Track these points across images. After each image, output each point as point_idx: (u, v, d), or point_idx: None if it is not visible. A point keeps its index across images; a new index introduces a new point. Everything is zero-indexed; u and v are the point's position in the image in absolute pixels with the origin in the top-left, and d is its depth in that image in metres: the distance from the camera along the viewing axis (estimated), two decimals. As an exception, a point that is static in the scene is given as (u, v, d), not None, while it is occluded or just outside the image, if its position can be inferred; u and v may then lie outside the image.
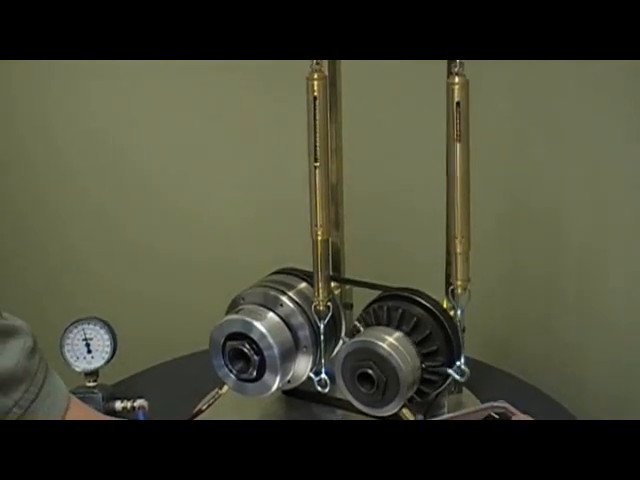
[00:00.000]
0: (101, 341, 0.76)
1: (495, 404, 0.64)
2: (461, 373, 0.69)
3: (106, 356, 0.76)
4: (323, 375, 0.72)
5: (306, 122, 0.68)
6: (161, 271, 1.04)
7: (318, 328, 0.72)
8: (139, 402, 0.75)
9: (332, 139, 0.71)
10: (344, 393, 0.70)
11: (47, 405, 0.54)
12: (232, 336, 0.71)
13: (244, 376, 0.71)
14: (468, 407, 0.67)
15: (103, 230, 1.05)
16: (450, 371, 0.68)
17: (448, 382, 0.70)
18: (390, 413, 0.68)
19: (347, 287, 0.77)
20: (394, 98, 0.91)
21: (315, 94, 0.67)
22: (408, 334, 0.68)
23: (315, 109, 0.67)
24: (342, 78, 0.73)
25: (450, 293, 0.70)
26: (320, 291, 0.71)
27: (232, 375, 0.72)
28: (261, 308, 0.72)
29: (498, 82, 0.84)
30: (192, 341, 0.80)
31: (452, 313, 0.70)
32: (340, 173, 0.75)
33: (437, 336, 0.68)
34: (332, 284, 0.73)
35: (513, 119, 0.87)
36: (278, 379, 0.70)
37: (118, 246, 1.05)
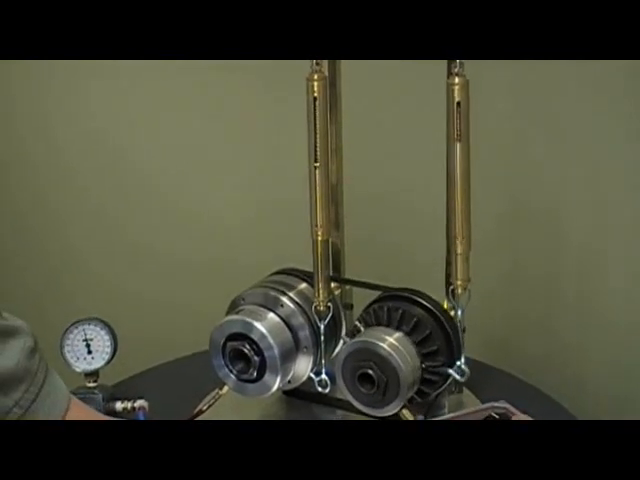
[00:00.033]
0: (101, 342, 0.76)
1: (495, 404, 0.64)
2: (461, 373, 0.69)
3: (106, 357, 0.76)
4: (323, 375, 0.72)
5: (306, 122, 0.68)
6: (161, 271, 1.04)
7: (318, 328, 0.72)
8: (139, 403, 0.75)
9: (332, 139, 0.71)
10: (344, 393, 0.70)
11: (47, 405, 0.54)
12: (232, 336, 0.71)
13: (244, 376, 0.71)
14: (468, 407, 0.67)
15: (103, 230, 1.05)
16: (450, 371, 0.68)
17: (448, 382, 0.70)
18: (390, 413, 0.68)
19: (347, 287, 0.77)
20: (394, 98, 0.91)
21: (315, 94, 0.67)
22: (408, 334, 0.68)
23: (315, 109, 0.67)
24: (342, 78, 0.73)
25: (450, 293, 0.70)
26: (320, 291, 0.71)
27: (232, 375, 0.72)
28: (261, 308, 0.72)
29: (498, 82, 0.84)
30: (192, 341, 0.80)
31: (452, 313, 0.70)
32: (340, 173, 0.75)
33: (437, 336, 0.68)
34: (332, 284, 0.73)
35: (513, 119, 0.87)
36: (278, 379, 0.70)
37: (118, 246, 1.05)
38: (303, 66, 0.67)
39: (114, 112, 1.01)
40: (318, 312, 0.71)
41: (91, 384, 0.77)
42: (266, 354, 0.70)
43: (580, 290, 0.87)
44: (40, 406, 0.53)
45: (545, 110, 0.85)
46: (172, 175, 1.02)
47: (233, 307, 0.74)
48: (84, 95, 1.01)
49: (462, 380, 0.69)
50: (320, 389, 0.73)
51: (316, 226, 0.69)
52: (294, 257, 0.76)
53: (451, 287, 0.69)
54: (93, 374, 0.77)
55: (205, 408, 0.73)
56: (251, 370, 0.70)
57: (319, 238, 0.70)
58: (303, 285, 0.74)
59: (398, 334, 0.68)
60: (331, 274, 0.73)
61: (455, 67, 0.65)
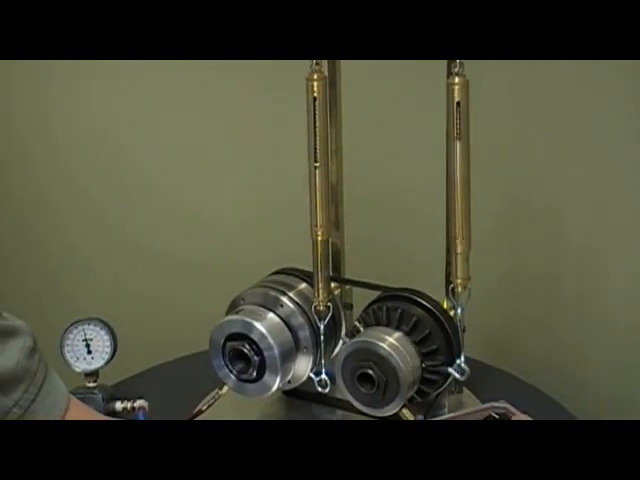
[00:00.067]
0: (101, 342, 0.76)
1: (495, 404, 0.64)
2: (461, 372, 0.69)
3: (106, 357, 0.76)
4: (323, 375, 0.72)
5: (306, 122, 0.68)
6: (161, 271, 1.04)
7: (318, 328, 0.72)
8: (139, 403, 0.75)
9: (332, 139, 0.71)
10: (344, 393, 0.70)
11: (47, 405, 0.54)
12: (232, 336, 0.71)
13: (244, 376, 0.71)
14: (468, 407, 0.67)
15: (103, 230, 1.05)
16: (450, 370, 0.68)
17: (449, 382, 0.70)
18: (390, 413, 0.68)
19: (347, 287, 0.77)
20: (394, 98, 0.91)
21: (315, 94, 0.67)
22: (408, 334, 0.68)
23: (315, 109, 0.67)
24: (342, 78, 0.73)
25: (450, 292, 0.70)
26: (320, 291, 0.71)
27: (232, 375, 0.72)
28: (261, 308, 0.72)
29: (498, 82, 0.84)
30: (192, 341, 0.79)
31: (452, 312, 0.70)
32: (340, 173, 0.75)
33: (437, 335, 0.68)
34: (332, 284, 0.73)
35: (513, 119, 0.87)
36: (278, 379, 0.70)
37: (118, 246, 1.05)
38: (303, 66, 0.67)
39: (114, 112, 1.00)
40: (318, 312, 0.71)
41: (91, 384, 0.77)
42: (266, 354, 0.70)
43: (580, 290, 0.87)
44: (39, 406, 0.53)
45: (545, 110, 0.85)
46: (172, 175, 1.02)
47: (233, 307, 0.74)
48: (84, 95, 1.01)
49: (462, 379, 0.69)
50: (320, 389, 0.73)
51: (316, 226, 0.69)
52: (294, 257, 0.76)
53: (451, 286, 0.69)
54: (93, 374, 0.77)
55: (205, 408, 0.73)
56: (251, 370, 0.70)
57: (319, 238, 0.70)
58: (303, 285, 0.74)
59: (398, 334, 0.68)
60: (331, 274, 0.73)
61: (455, 67, 0.65)
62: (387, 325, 0.69)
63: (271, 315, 0.71)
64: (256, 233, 1.01)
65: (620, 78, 0.76)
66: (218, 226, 1.03)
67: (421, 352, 0.68)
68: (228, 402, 0.73)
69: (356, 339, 0.69)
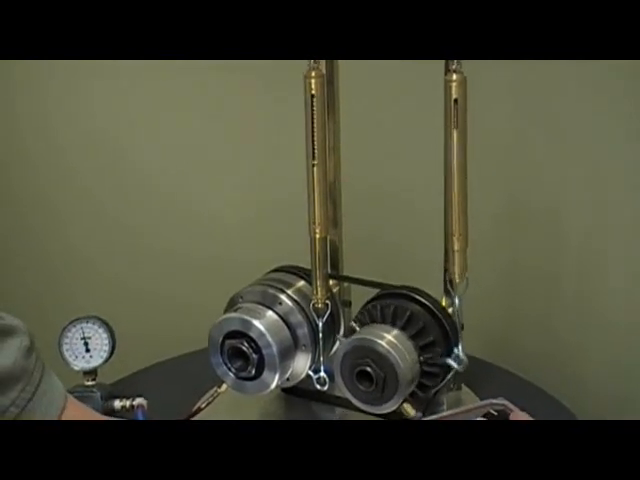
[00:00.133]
0: (99, 340, 0.76)
1: (494, 401, 0.64)
2: (459, 361, 0.69)
3: (104, 355, 0.76)
4: (322, 373, 0.72)
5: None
6: (160, 269, 1.04)
7: (317, 326, 0.72)
8: (138, 401, 0.75)
9: (330, 137, 0.71)
10: (343, 391, 0.70)
11: (44, 404, 0.54)
12: (231, 334, 0.71)
13: (243, 374, 0.71)
14: (467, 404, 0.67)
15: (103, 229, 1.05)
16: (448, 360, 0.68)
17: (450, 376, 0.70)
18: (389, 410, 0.68)
19: (345, 285, 0.77)
20: (392, 96, 0.91)
21: (313, 92, 0.67)
22: (403, 329, 0.68)
23: (313, 107, 0.67)
24: (340, 76, 0.73)
25: (448, 282, 0.69)
26: (318, 289, 0.71)
27: (231, 373, 0.72)
28: (260, 306, 0.72)
29: (498, 82, 0.84)
30: (191, 339, 0.80)
31: (451, 303, 0.70)
32: (338, 171, 0.75)
33: (432, 328, 0.68)
34: (330, 282, 0.73)
35: (513, 119, 0.87)
36: (277, 377, 0.70)
37: (118, 245, 1.05)
38: (302, 66, 0.67)
39: (114, 112, 1.01)
40: (316, 310, 0.71)
41: (89, 382, 0.77)
42: (264, 352, 0.70)
43: (580, 290, 0.87)
44: (37, 405, 0.53)
45: (545, 110, 0.85)
46: (171, 174, 1.02)
47: (231, 305, 0.74)
48: (84, 95, 1.01)
49: (460, 369, 0.69)
50: (319, 387, 0.73)
51: (314, 224, 0.69)
52: (293, 255, 0.76)
53: (448, 274, 0.69)
54: (91, 372, 0.77)
55: (204, 406, 0.73)
56: (249, 368, 0.70)
57: (317, 236, 0.70)
58: (301, 283, 0.74)
59: (395, 331, 0.68)
60: (329, 272, 0.73)
61: (453, 64, 0.65)
62: (382, 322, 0.69)
63: (270, 313, 0.71)
64: (255, 231, 1.01)
65: (620, 78, 0.76)
66: (217, 225, 1.03)
67: (418, 346, 0.68)
68: (227, 400, 0.73)
69: (354, 337, 0.69)
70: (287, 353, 0.71)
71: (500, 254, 0.91)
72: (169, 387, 0.81)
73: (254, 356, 0.70)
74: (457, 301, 0.70)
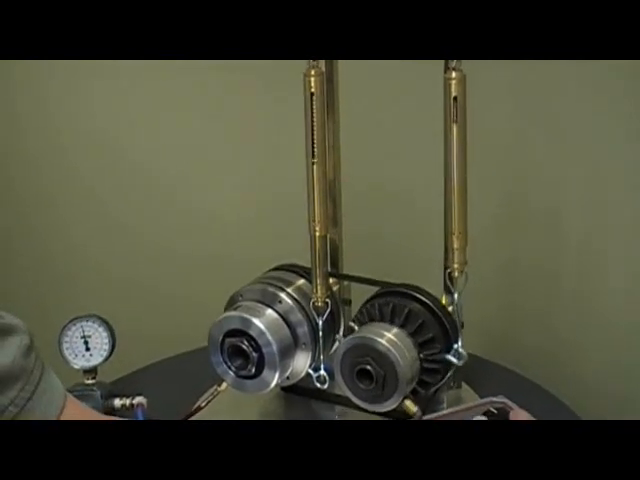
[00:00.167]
0: (99, 339, 0.76)
1: (494, 399, 0.64)
2: (459, 357, 0.69)
3: (104, 353, 0.76)
4: (322, 371, 0.72)
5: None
6: (160, 268, 1.04)
7: (317, 324, 0.72)
8: (138, 399, 0.75)
9: (329, 135, 0.71)
10: (343, 389, 0.70)
11: (43, 403, 0.54)
12: (231, 333, 0.71)
13: (243, 373, 0.71)
14: (467, 402, 0.67)
15: (103, 228, 1.05)
16: (448, 356, 0.68)
17: (451, 373, 0.70)
18: (389, 408, 0.68)
19: (345, 283, 0.77)
20: (392, 94, 0.91)
21: (312, 90, 0.67)
22: (402, 326, 0.68)
23: (312, 105, 0.67)
24: (339, 74, 0.73)
25: (447, 277, 0.69)
26: (318, 287, 0.71)
27: (231, 372, 0.72)
28: (259, 305, 0.72)
29: (498, 82, 0.84)
30: (191, 338, 0.80)
31: (451, 300, 0.70)
32: (338, 169, 0.75)
33: (431, 324, 0.68)
34: (330, 280, 0.73)
35: (513, 119, 0.87)
36: (277, 376, 0.70)
37: (118, 244, 1.05)
38: (302, 66, 0.67)
39: (115, 112, 1.01)
40: (316, 308, 0.71)
41: (89, 381, 0.77)
42: (264, 350, 0.70)
43: (580, 289, 0.87)
44: (36, 404, 0.53)
45: (545, 110, 0.85)
46: (172, 173, 1.03)
47: (231, 303, 0.74)
48: (84, 95, 1.01)
49: (459, 364, 0.69)
50: (319, 385, 0.73)
51: (314, 222, 0.70)
52: (293, 253, 0.76)
53: (448, 270, 0.69)
54: (91, 371, 0.77)
55: (204, 404, 0.73)
56: (249, 366, 0.70)
57: (317, 234, 0.70)
58: (301, 281, 0.74)
59: (395, 329, 0.68)
60: (329, 270, 0.73)
61: (452, 62, 0.65)
62: (381, 320, 0.69)
63: (269, 311, 0.71)
64: (255, 230, 1.01)
65: (620, 78, 0.76)
66: (217, 223, 1.03)
67: (417, 343, 0.68)
68: (227, 398, 0.73)
69: (354, 335, 0.69)
70: (287, 351, 0.71)
71: (500, 253, 0.91)
72: (169, 386, 0.81)
73: (254, 354, 0.70)
74: (456, 297, 0.70)
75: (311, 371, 0.73)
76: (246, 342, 0.70)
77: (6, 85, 1.02)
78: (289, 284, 0.73)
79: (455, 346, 0.69)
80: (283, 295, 0.72)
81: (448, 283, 0.70)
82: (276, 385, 0.72)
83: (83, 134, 1.02)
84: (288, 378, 0.73)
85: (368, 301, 0.71)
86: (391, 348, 0.66)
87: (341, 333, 0.74)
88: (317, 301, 0.71)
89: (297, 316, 0.72)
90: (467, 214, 0.68)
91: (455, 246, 0.68)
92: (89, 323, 0.77)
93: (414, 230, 0.94)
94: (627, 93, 0.78)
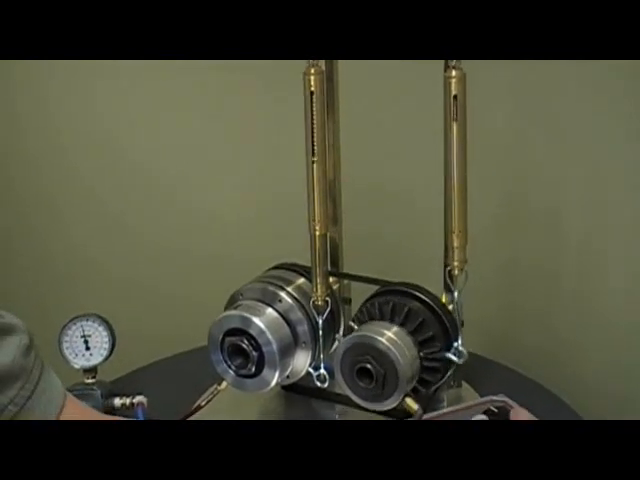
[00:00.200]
0: (99, 338, 0.76)
1: (494, 398, 0.64)
2: (459, 355, 0.69)
3: (104, 353, 0.77)
4: (322, 370, 0.72)
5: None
6: (160, 267, 1.04)
7: (317, 323, 0.72)
8: (138, 399, 0.75)
9: (329, 134, 0.71)
10: (343, 388, 0.70)
11: (43, 402, 0.54)
12: (231, 332, 0.71)
13: (243, 372, 0.71)
14: (467, 401, 0.67)
15: (103, 228, 1.06)
16: (448, 354, 0.68)
17: (451, 372, 0.70)
18: (389, 407, 0.68)
19: (345, 282, 0.77)
20: (392, 93, 0.91)
21: (312, 89, 0.67)
22: (402, 325, 0.68)
23: (312, 104, 0.67)
24: (339, 73, 0.73)
25: (448, 276, 0.69)
26: (318, 286, 0.71)
27: (231, 371, 0.72)
28: (260, 304, 0.72)
29: (498, 82, 0.84)
30: (191, 337, 0.80)
31: (451, 299, 0.70)
32: (338, 168, 0.75)
33: (431, 323, 0.68)
34: (330, 279, 0.73)
35: (513, 119, 0.87)
36: (277, 375, 0.71)
37: (118, 243, 1.05)
38: (302, 66, 0.68)
39: (115, 112, 1.01)
40: (316, 307, 0.71)
41: (89, 380, 0.77)
42: (264, 349, 0.70)
43: (580, 289, 0.87)
44: (35, 404, 0.53)
45: (545, 110, 0.85)
46: (172, 173, 1.03)
47: (231, 302, 0.74)
48: (85, 95, 1.01)
49: (460, 362, 0.69)
50: (319, 384, 0.73)
51: (314, 221, 0.70)
52: (293, 252, 0.76)
53: (448, 268, 0.69)
54: (91, 370, 0.77)
55: (204, 404, 0.73)
56: (249, 365, 0.70)
57: (317, 233, 0.70)
58: (301, 280, 0.74)
59: (395, 327, 0.68)
60: (329, 269, 0.73)
61: (452, 60, 0.65)
62: (381, 319, 0.69)
63: (269, 310, 0.71)
64: (255, 229, 1.01)
65: (620, 78, 0.76)
66: (217, 223, 1.03)
67: (417, 341, 0.68)
68: (227, 397, 0.73)
69: (354, 334, 0.69)
70: (287, 350, 0.71)
71: (500, 252, 0.91)
72: (169, 385, 0.81)
73: (254, 353, 0.70)
74: (456, 295, 0.70)
75: (311, 370, 0.73)
76: (246, 341, 0.70)
77: (6, 85, 1.02)
78: (289, 283, 0.73)
79: (455, 344, 0.69)
80: (283, 294, 0.72)
81: (448, 281, 0.70)
82: (276, 384, 0.72)
83: (83, 134, 1.02)
84: (288, 377, 0.73)
85: (368, 300, 0.71)
86: (391, 347, 0.66)
87: (341, 332, 0.74)
88: (317, 300, 0.71)
89: (297, 315, 0.72)
90: (467, 213, 0.68)
91: (455, 244, 0.68)
92: (89, 322, 0.77)
93: (414, 229, 0.94)
94: (627, 93, 0.78)
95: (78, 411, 0.57)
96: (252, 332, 0.70)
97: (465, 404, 0.65)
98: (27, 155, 1.06)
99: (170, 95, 0.98)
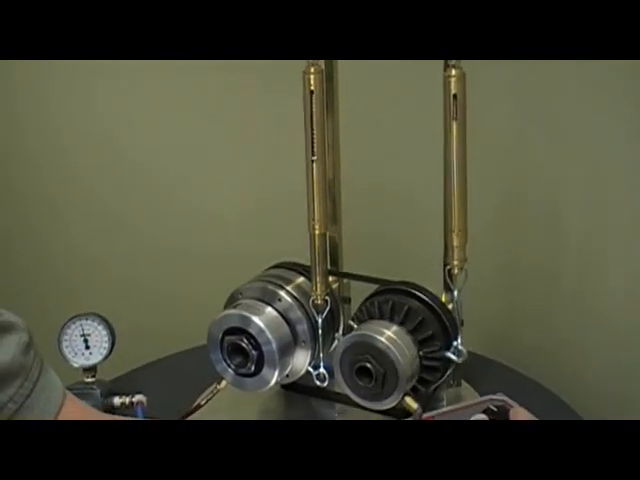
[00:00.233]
0: (99, 337, 0.76)
1: (494, 397, 0.64)
2: (458, 354, 0.69)
3: (104, 352, 0.77)
4: (321, 369, 0.73)
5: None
6: (160, 267, 1.05)
7: (316, 322, 0.72)
8: (138, 398, 0.75)
9: (329, 133, 0.71)
10: (343, 387, 0.70)
11: (42, 401, 0.54)
12: (230, 331, 0.71)
13: (242, 371, 0.71)
14: (467, 400, 0.67)
15: (103, 227, 1.06)
16: (448, 354, 0.68)
17: (450, 370, 0.70)
18: (389, 406, 0.68)
19: (345, 281, 0.77)
20: (392, 92, 0.91)
21: (312, 88, 0.67)
22: (402, 324, 0.68)
23: (312, 103, 0.67)
24: (339, 72, 0.73)
25: (447, 275, 0.70)
26: (318, 285, 0.71)
27: (230, 370, 0.72)
28: (259, 303, 0.72)
29: (498, 81, 0.84)
30: (190, 336, 0.80)
31: (451, 298, 0.70)
32: (337, 167, 0.75)
33: (431, 322, 0.68)
34: (330, 278, 0.73)
35: (513, 119, 0.87)
36: (276, 374, 0.71)
37: (118, 243, 1.05)
38: (302, 66, 0.68)
39: (115, 112, 1.01)
40: (316, 306, 0.71)
41: (89, 379, 0.77)
42: (264, 348, 0.70)
43: (580, 289, 0.87)
44: (35, 402, 0.53)
45: (545, 110, 0.85)
46: (172, 173, 1.03)
47: (231, 301, 0.74)
48: (85, 95, 1.01)
49: (459, 361, 0.69)
50: (318, 383, 0.73)
51: (313, 220, 0.70)
52: (292, 251, 0.76)
53: (448, 267, 0.69)
54: (91, 369, 0.77)
55: (203, 403, 0.73)
56: (249, 364, 0.70)
57: (316, 232, 0.70)
58: (301, 279, 0.74)
59: (395, 327, 0.68)
60: (329, 268, 0.73)
61: (452, 60, 0.65)
62: (380, 318, 0.69)
63: (269, 309, 0.72)
64: (254, 228, 1.01)
65: (620, 78, 0.76)
66: (217, 222, 1.03)
67: (417, 340, 0.68)
68: (226, 396, 0.73)
69: (354, 332, 0.69)
70: (286, 349, 0.71)
71: (500, 251, 0.91)
72: (169, 384, 0.81)
73: (253, 352, 0.70)
74: (456, 294, 0.70)
75: (311, 369, 0.73)
76: (246, 340, 0.70)
77: (6, 85, 1.02)
78: (289, 282, 0.73)
79: (455, 343, 0.69)
80: (283, 293, 0.72)
81: (448, 280, 0.70)
82: (276, 383, 0.72)
83: (83, 134, 1.02)
84: (288, 376, 0.73)
85: (367, 299, 0.71)
86: (390, 346, 0.66)
87: (341, 331, 0.74)
88: (317, 299, 0.71)
89: (297, 314, 0.72)
90: (467, 212, 0.68)
91: (455, 244, 0.68)
92: (89, 321, 0.77)
93: (414, 229, 0.94)
94: (627, 93, 0.78)
95: (77, 410, 0.57)
96: (252, 331, 0.70)
97: (465, 403, 0.65)
98: (27, 155, 1.06)
99: (170, 95, 0.98)
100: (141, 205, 1.04)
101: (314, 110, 0.67)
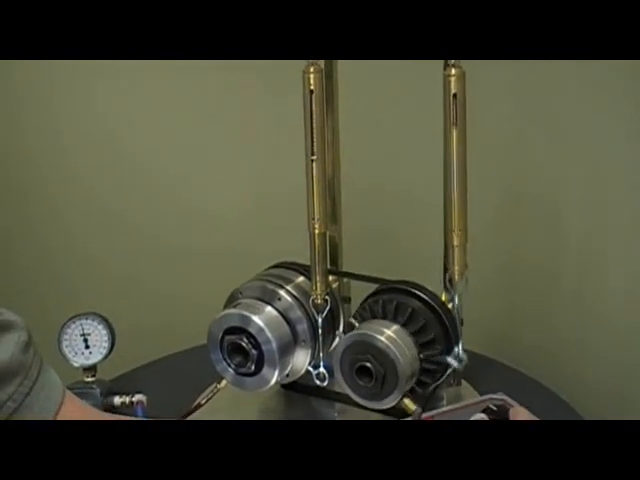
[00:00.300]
0: (99, 336, 0.77)
1: (493, 396, 0.64)
2: (459, 360, 0.69)
3: (104, 351, 0.77)
4: (321, 369, 0.73)
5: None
6: (160, 266, 1.05)
7: (316, 322, 0.72)
8: (138, 397, 0.75)
9: (329, 132, 0.71)
10: (343, 387, 0.70)
11: (41, 399, 0.53)
12: (230, 330, 0.71)
13: (242, 370, 0.71)
14: (467, 399, 0.67)
15: (104, 227, 1.06)
16: (448, 359, 0.68)
17: (449, 372, 0.70)
18: (389, 406, 0.68)
19: (345, 280, 0.77)
20: (392, 91, 0.91)
21: (311, 87, 0.67)
22: (404, 325, 0.68)
23: (311, 102, 0.67)
24: (339, 71, 0.73)
25: (447, 281, 0.69)
26: (317, 284, 0.71)
27: (230, 369, 0.72)
28: (259, 302, 0.72)
29: (498, 81, 0.84)
30: (190, 335, 0.80)
31: (450, 303, 0.70)
32: (337, 166, 0.75)
33: (433, 325, 0.68)
34: (330, 277, 0.73)
35: (513, 119, 0.87)
36: (276, 373, 0.71)
37: (118, 242, 1.05)
38: (302, 66, 0.68)
39: (115, 112, 1.01)
40: (316, 305, 0.71)
41: (89, 379, 0.77)
42: (264, 348, 0.70)
43: (580, 289, 0.87)
44: (34, 400, 0.53)
45: (545, 110, 0.85)
46: (172, 172, 1.03)
47: (231, 301, 0.74)
48: (85, 95, 1.01)
49: (459, 367, 0.69)
50: (318, 382, 0.73)
51: (313, 219, 0.70)
52: (292, 251, 0.76)
53: (448, 273, 0.69)
54: (91, 369, 0.77)
55: (203, 402, 0.73)
56: (249, 364, 0.71)
57: (316, 231, 0.70)
58: (301, 278, 0.74)
59: (395, 326, 0.68)
60: (329, 267, 0.73)
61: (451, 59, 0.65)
62: (383, 318, 0.69)
63: (269, 309, 0.72)
64: (254, 228, 1.01)
65: (620, 78, 0.76)
66: (217, 222, 1.03)
67: (418, 343, 0.68)
68: (227, 396, 0.74)
69: (354, 332, 0.69)
70: (286, 349, 0.71)
71: (500, 251, 0.91)
72: (169, 383, 0.81)
73: (253, 352, 0.70)
74: (457, 300, 0.70)
75: (311, 368, 0.73)
76: (245, 339, 0.70)
77: (6, 85, 1.02)
78: (288, 281, 0.73)
79: (456, 349, 0.69)
80: (282, 292, 0.72)
81: (448, 286, 0.70)
82: (276, 382, 0.72)
83: (83, 134, 1.02)
84: (288, 375, 0.73)
85: (370, 297, 0.71)
86: (391, 345, 0.66)
87: (341, 330, 0.74)
88: (316, 298, 0.71)
89: (296, 313, 0.72)
90: (467, 212, 0.68)
91: (455, 243, 0.68)
92: (89, 321, 0.77)
93: (414, 228, 0.94)
94: (627, 93, 0.78)
95: (77, 408, 0.57)
96: (251, 330, 0.70)
97: (464, 402, 0.65)
98: (27, 155, 1.06)
99: (170, 95, 0.98)
100: (141, 205, 1.04)
101: (314, 109, 0.67)
